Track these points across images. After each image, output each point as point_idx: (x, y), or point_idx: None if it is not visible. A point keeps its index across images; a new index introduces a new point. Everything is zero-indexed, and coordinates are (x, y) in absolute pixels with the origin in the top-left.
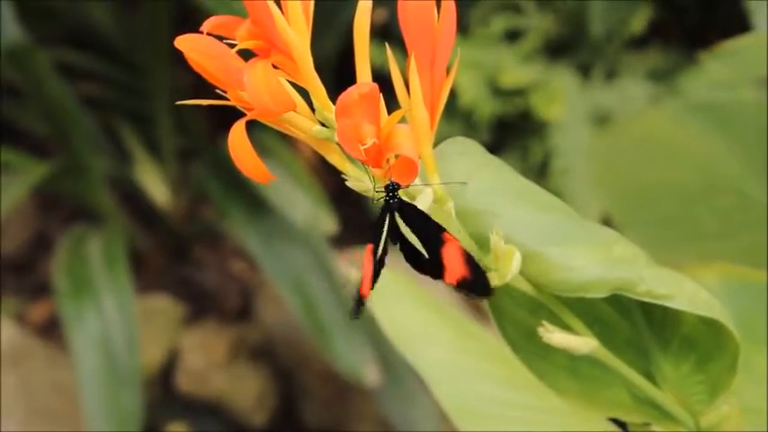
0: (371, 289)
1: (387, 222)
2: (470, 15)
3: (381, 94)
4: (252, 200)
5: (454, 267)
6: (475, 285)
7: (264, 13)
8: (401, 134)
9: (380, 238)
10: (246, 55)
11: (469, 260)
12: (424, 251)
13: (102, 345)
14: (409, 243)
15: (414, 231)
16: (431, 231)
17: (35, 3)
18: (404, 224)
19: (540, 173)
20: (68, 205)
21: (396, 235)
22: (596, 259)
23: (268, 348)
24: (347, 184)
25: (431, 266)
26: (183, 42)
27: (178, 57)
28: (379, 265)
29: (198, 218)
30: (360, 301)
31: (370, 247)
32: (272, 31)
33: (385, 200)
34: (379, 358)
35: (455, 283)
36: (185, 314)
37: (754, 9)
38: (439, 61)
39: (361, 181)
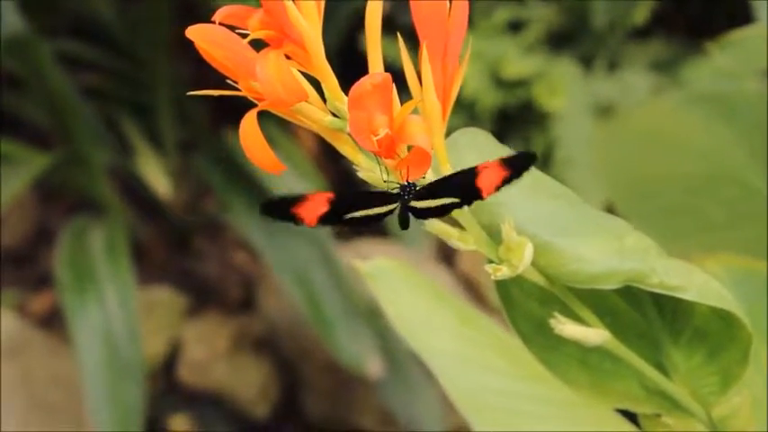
0: (315, 225)
1: (389, 207)
2: (473, 6)
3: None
4: (253, 190)
5: (492, 180)
6: (520, 166)
7: (276, 3)
8: (414, 125)
9: (365, 209)
10: (258, 45)
11: (505, 159)
12: (454, 200)
13: (104, 337)
14: (428, 209)
15: (441, 196)
16: (460, 179)
17: None
18: (424, 202)
19: (542, 164)
20: (70, 197)
21: (415, 213)
22: (608, 250)
23: (270, 340)
24: (359, 175)
25: (462, 203)
26: (195, 32)
27: (179, 47)
28: (343, 222)
29: (199, 209)
30: (286, 214)
31: (329, 194)
32: (284, 21)
33: (400, 195)
34: (381, 349)
35: (495, 188)
36: (187, 306)
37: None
38: (451, 51)
39: (372, 172)
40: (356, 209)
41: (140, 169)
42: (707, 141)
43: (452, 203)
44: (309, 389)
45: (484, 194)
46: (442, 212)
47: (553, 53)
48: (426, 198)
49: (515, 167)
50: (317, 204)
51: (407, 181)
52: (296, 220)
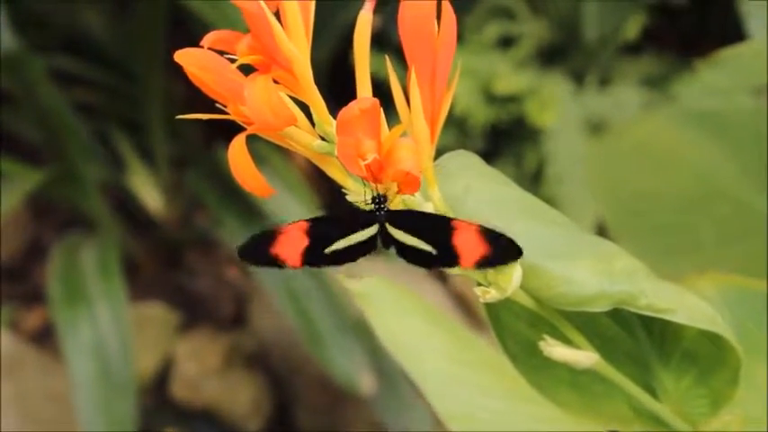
0: (300, 265)
1: (368, 232)
2: (464, 22)
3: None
4: (246, 207)
5: (471, 249)
6: (501, 255)
7: (264, 28)
8: (403, 149)
9: (346, 237)
10: (246, 69)
11: (489, 234)
12: (430, 249)
13: (96, 352)
14: (408, 247)
15: (415, 234)
16: (437, 225)
17: (29, 9)
18: (399, 232)
19: (534, 180)
20: (62, 213)
21: (391, 242)
22: (597, 273)
23: (262, 355)
24: (347, 198)
25: (441, 259)
26: (183, 56)
27: (172, 64)
28: (330, 259)
29: (191, 225)
30: (267, 257)
31: (304, 224)
32: (272, 46)
33: (373, 211)
34: (373, 365)
35: (474, 264)
36: (179, 321)
37: (747, 15)
38: (439, 73)
39: (362, 196)
40: (336, 235)
41: (133, 185)
42: (699, 158)
43: (432, 257)
44: (301, 404)
45: (462, 265)
46: (422, 262)
47: (544, 69)
48: (401, 224)
49: (497, 252)
50: (294, 238)
51: (378, 192)
52: (278, 263)
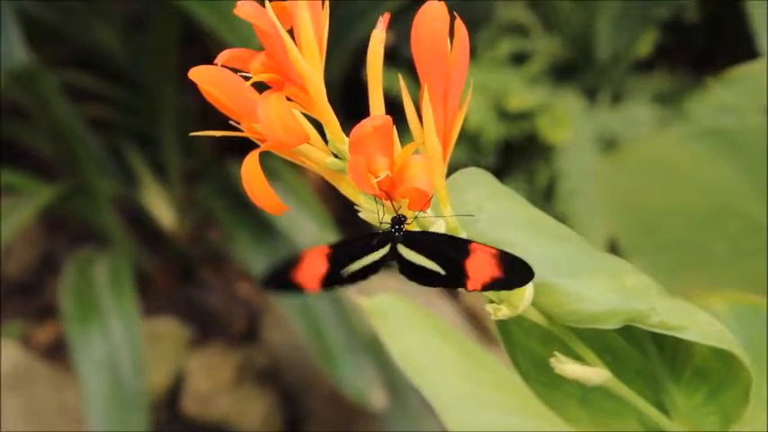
0: (318, 289)
1: (382, 251)
2: (477, 39)
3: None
4: (258, 222)
5: (482, 272)
6: (514, 278)
7: (278, 46)
8: (416, 166)
9: (361, 259)
10: (260, 87)
11: (505, 257)
12: (440, 270)
13: (108, 367)
14: (414, 265)
15: (426, 255)
16: (452, 248)
17: (42, 24)
18: (411, 253)
19: (546, 196)
20: (75, 227)
21: (399, 261)
22: (609, 290)
23: (274, 371)
24: (360, 215)
25: (448, 279)
26: (197, 74)
27: (185, 79)
28: (345, 280)
29: (204, 240)
30: (288, 284)
31: (325, 249)
32: (285, 64)
33: (389, 231)
34: (384, 381)
35: (482, 285)
36: (191, 337)
37: (758, 33)
38: (452, 91)
39: (374, 213)
40: (355, 257)
41: (145, 200)
42: (710, 175)
43: (437, 277)
44: (313, 420)
45: (469, 286)
46: (426, 281)
47: (557, 85)
48: (416, 245)
49: (510, 276)
50: (315, 263)
51: (398, 213)
52: (298, 289)
